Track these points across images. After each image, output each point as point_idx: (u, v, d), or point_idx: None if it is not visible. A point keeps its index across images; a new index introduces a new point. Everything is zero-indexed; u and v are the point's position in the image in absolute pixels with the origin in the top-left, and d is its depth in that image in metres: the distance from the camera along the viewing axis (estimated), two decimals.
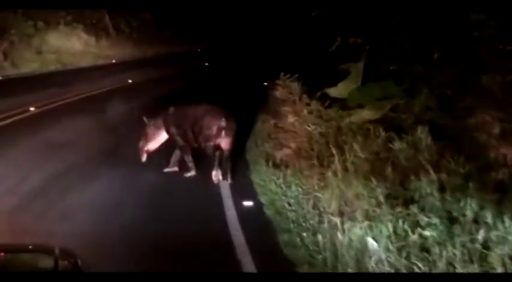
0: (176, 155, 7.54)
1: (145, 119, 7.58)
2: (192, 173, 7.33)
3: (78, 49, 26.19)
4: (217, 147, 7.13)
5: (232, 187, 6.96)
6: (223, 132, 7.09)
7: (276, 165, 7.41)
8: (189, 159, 7.40)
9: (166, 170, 7.49)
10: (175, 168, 7.50)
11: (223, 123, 7.09)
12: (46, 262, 2.05)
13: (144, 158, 7.54)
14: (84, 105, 12.41)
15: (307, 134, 7.02)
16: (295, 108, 7.41)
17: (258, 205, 6.33)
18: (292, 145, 7.46)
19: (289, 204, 6.06)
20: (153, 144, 7.60)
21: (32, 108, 11.96)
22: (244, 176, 7.46)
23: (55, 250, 2.16)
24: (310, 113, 7.19)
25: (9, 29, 21.19)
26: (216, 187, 7.00)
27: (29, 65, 21.06)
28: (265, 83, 19.11)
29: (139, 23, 32.25)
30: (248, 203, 6.34)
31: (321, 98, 7.52)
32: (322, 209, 5.60)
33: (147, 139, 7.55)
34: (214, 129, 7.06)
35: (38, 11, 23.03)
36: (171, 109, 7.50)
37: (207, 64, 27.38)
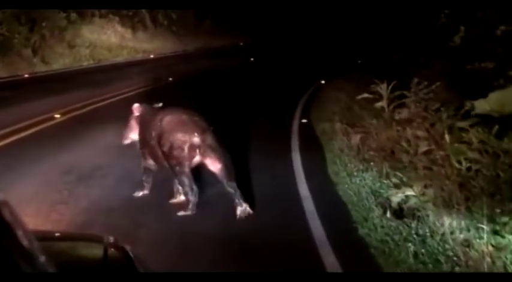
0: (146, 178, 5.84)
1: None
2: (145, 191, 5.73)
3: (114, 43, 24.25)
4: (212, 174, 5.31)
5: (339, 254, 4.54)
6: (203, 152, 5.21)
7: (397, 215, 5.00)
8: (148, 180, 5.77)
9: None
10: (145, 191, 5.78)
11: (196, 139, 5.14)
12: (95, 251, 1.89)
13: (125, 141, 5.99)
14: (119, 111, 10.14)
15: (456, 174, 4.55)
16: (431, 132, 4.93)
17: None
18: (420, 184, 5.02)
19: None
20: (134, 136, 5.96)
21: (57, 115, 9.84)
22: (348, 231, 5.03)
23: (104, 239, 1.99)
24: (463, 141, 4.70)
25: (40, 21, 19.21)
26: (310, 247, 4.67)
27: (61, 60, 19.16)
28: (323, 81, 16.80)
29: (178, 14, 30.09)
30: None
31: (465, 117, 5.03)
32: None
33: (128, 130, 5.99)
34: (186, 149, 5.14)
35: None
36: (139, 108, 5.79)
37: (252, 59, 25.06)
